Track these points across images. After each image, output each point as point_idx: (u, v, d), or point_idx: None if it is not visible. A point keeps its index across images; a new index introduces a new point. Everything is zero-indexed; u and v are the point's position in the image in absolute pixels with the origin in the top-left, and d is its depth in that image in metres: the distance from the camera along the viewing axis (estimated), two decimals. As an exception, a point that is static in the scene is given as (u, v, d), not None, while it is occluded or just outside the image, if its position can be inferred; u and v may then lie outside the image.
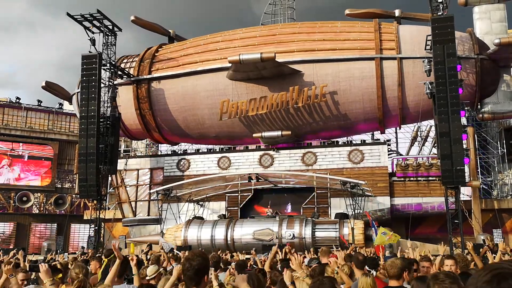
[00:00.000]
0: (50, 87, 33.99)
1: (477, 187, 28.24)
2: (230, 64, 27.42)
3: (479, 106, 28.43)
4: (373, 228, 22.29)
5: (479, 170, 31.00)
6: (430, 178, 27.74)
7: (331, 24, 29.91)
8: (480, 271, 1.79)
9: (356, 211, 24.90)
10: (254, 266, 8.80)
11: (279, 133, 28.79)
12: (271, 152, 29.95)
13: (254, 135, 29.29)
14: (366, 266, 7.54)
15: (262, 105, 28.34)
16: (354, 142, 30.26)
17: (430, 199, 27.41)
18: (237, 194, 29.87)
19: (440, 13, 24.18)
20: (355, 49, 27.94)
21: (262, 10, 36.85)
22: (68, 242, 42.64)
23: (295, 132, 29.28)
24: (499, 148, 33.46)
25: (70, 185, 45.24)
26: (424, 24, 27.51)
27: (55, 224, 43.02)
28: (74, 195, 42.55)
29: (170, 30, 34.93)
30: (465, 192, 28.80)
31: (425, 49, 25.92)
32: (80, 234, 42.79)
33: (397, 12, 29.35)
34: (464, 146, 23.87)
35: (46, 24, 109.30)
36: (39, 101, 46.42)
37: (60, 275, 5.37)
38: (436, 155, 26.54)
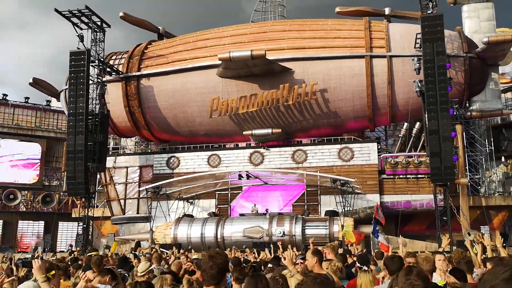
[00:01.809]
0: (37, 83, 33.62)
1: (465, 185, 28.46)
2: (220, 62, 27.31)
3: (467, 104, 28.66)
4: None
5: (467, 167, 31.26)
6: (419, 176, 27.90)
7: (321, 22, 29.93)
8: (498, 267, 1.72)
9: (346, 209, 24.97)
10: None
11: (269, 130, 28.76)
12: (261, 150, 29.91)
13: (244, 132, 29.22)
14: (357, 263, 7.54)
15: (253, 103, 28.28)
16: (344, 140, 30.30)
17: (419, 196, 27.58)
18: (227, 192, 29.80)
19: (429, 12, 24.34)
20: (345, 47, 27.99)
21: (252, 8, 36.80)
22: (56, 240, 42.26)
23: (285, 130, 29.27)
24: (487, 145, 33.78)
25: (58, 183, 44.81)
26: (413, 22, 27.66)
27: (43, 222, 42.60)
28: (62, 193, 42.17)
29: (159, 27, 34.73)
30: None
31: (415, 48, 26.07)
32: (68, 232, 42.44)
33: (387, 10, 29.48)
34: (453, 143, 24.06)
35: (37, 22, 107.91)
36: (26, 98, 45.86)
37: (53, 271, 5.29)
38: (425, 153, 26.71)
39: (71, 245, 36.01)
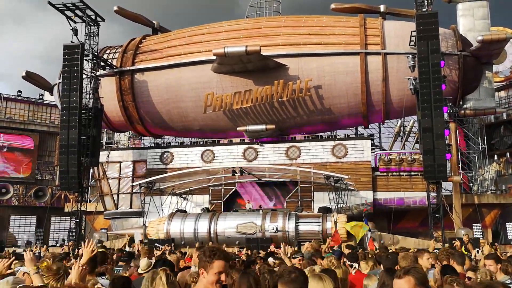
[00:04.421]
0: (30, 77, 33.36)
1: (458, 182, 28.60)
2: (214, 57, 27.21)
3: (461, 102, 28.75)
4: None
5: (460, 165, 31.41)
6: (413, 173, 28.00)
7: (316, 18, 29.88)
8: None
9: (339, 205, 25.02)
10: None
11: (263, 126, 28.72)
12: (255, 146, 29.88)
13: (238, 128, 29.16)
14: (347, 260, 7.56)
15: (247, 99, 28.21)
16: (338, 136, 30.36)
17: (412, 193, 27.67)
18: (220, 188, 29.76)
19: (424, 10, 24.37)
20: (340, 44, 27.96)
21: (247, 3, 36.67)
22: (48, 235, 42.10)
23: (279, 126, 29.25)
24: (480, 144, 33.97)
25: (51, 177, 44.58)
26: (408, 20, 27.65)
27: (35, 216, 42.40)
28: (54, 187, 41.98)
29: (154, 22, 34.55)
30: (446, 187, 29.15)
31: (409, 45, 26.09)
32: (61, 227, 42.30)
33: (382, 8, 29.46)
34: (446, 141, 24.13)
35: (31, 16, 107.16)
36: (19, 91, 45.55)
37: (45, 263, 5.28)
38: (418, 150, 26.79)
39: (63, 240, 35.93)
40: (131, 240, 25.68)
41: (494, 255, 6.40)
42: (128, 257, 9.34)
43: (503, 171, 36.82)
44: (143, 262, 6.57)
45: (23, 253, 4.83)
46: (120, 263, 8.41)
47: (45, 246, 20.36)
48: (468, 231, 24.25)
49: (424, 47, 23.38)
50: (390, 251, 9.75)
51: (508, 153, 36.01)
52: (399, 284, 3.12)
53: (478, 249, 13.65)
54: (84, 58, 27.16)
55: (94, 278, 4.97)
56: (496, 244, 22.48)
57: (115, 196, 31.72)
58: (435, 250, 9.62)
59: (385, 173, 28.31)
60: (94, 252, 4.83)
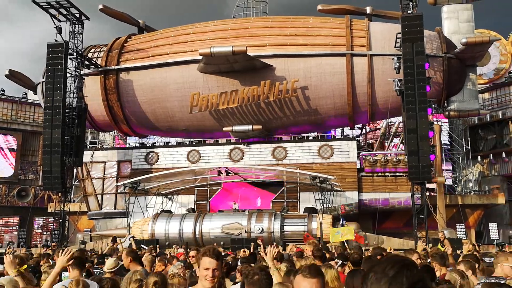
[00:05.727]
0: (14, 75, 32.88)
1: (442, 183, 28.84)
2: (201, 57, 27.09)
3: (445, 104, 29.02)
4: (340, 221, 22.77)
5: (444, 166, 31.72)
6: (397, 174, 28.20)
7: (303, 19, 29.93)
8: (384, 263, 1.59)
9: (324, 206, 25.08)
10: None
11: (249, 127, 28.66)
12: (241, 146, 29.82)
13: (224, 128, 29.07)
14: (337, 259, 7.53)
15: (233, 99, 28.13)
16: (324, 137, 30.44)
17: (397, 194, 27.87)
18: (206, 188, 29.64)
19: (409, 12, 24.55)
20: (326, 45, 28.04)
21: (234, 3, 36.62)
22: (31, 235, 41.51)
23: (266, 127, 29.23)
24: (464, 145, 34.33)
25: (34, 177, 43.98)
26: (394, 22, 27.85)
27: (18, 216, 41.79)
28: (38, 187, 41.41)
29: (140, 21, 34.28)
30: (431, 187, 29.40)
31: (395, 47, 26.27)
32: (44, 227, 41.73)
33: (368, 9, 29.63)
34: (431, 142, 24.32)
35: (17, 14, 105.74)
36: (2, 90, 44.86)
37: (25, 266, 5.16)
38: (403, 151, 26.98)
39: (46, 240, 35.46)
40: (114, 240, 25.41)
41: (471, 255, 6.43)
42: (102, 258, 9.24)
43: (486, 172, 37.27)
44: (109, 261, 6.49)
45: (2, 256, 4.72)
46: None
47: (23, 248, 20.01)
48: (451, 232, 24.49)
49: (409, 49, 23.57)
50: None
51: (491, 155, 36.47)
52: (305, 284, 2.96)
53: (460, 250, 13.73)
54: (68, 57, 26.89)
55: (80, 277, 4.88)
56: (476, 243, 22.69)
57: (99, 197, 31.39)
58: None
59: (370, 174, 28.46)
60: (70, 262, 4.73)
